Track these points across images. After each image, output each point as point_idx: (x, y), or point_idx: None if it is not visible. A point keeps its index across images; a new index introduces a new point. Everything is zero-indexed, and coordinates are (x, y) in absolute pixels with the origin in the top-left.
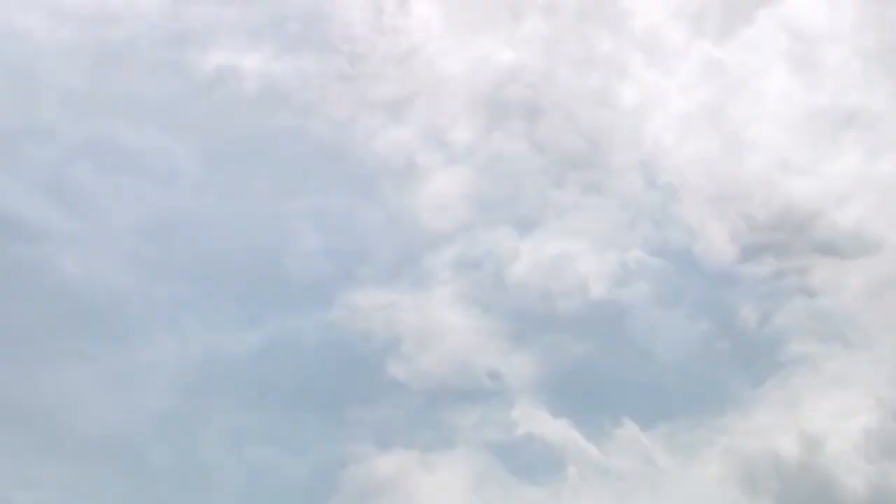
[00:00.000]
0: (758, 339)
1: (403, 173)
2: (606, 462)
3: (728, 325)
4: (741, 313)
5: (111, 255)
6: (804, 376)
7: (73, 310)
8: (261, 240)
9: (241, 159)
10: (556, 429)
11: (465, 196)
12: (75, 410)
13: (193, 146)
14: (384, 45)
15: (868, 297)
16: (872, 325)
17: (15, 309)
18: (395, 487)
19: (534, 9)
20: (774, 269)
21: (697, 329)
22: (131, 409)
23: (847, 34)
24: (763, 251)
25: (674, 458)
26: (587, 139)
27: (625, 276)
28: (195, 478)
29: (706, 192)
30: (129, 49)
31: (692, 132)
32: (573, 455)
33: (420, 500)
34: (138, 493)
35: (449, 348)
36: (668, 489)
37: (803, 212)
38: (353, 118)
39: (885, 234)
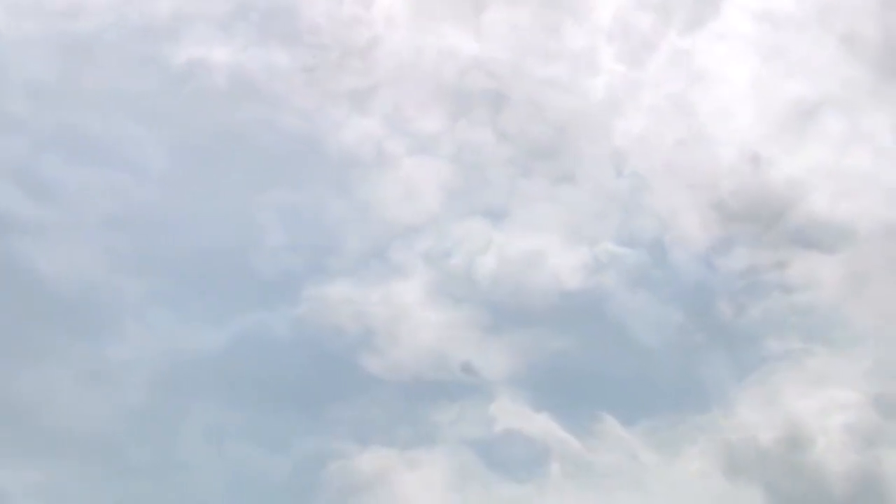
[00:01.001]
0: (736, 332)
1: (370, 164)
2: (589, 457)
3: (705, 317)
4: (718, 306)
5: (80, 247)
6: (786, 371)
7: (43, 304)
8: (229, 232)
9: (209, 152)
10: (536, 424)
11: (434, 186)
12: (48, 407)
13: (162, 138)
14: (347, 35)
15: (846, 291)
16: (852, 318)
17: None
18: (375, 486)
19: None
20: (748, 261)
21: (675, 320)
22: (106, 406)
23: (815, 21)
24: (736, 242)
25: (657, 454)
26: (555, 129)
27: (597, 267)
28: (173, 475)
29: (677, 181)
30: (97, 41)
31: (661, 122)
32: (555, 450)
33: (400, 499)
34: (116, 491)
35: (421, 341)
36: (651, 485)
37: (776, 202)
38: (318, 110)
39: (860, 224)
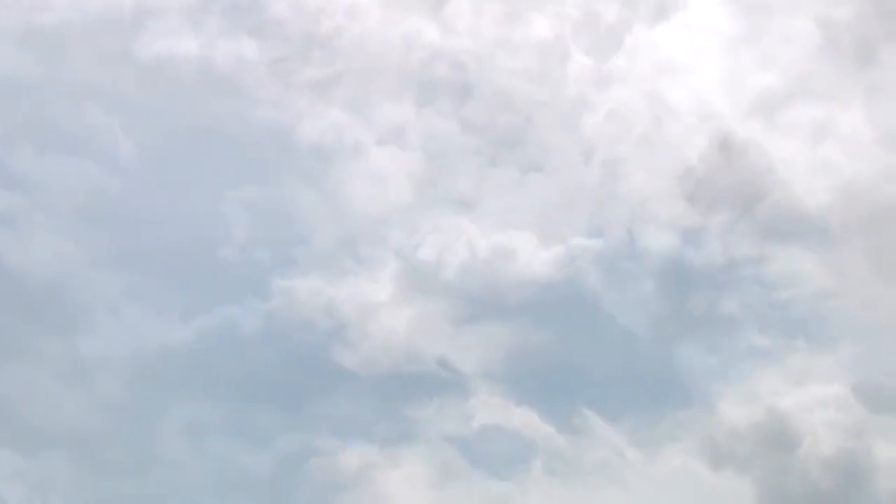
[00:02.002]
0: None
1: (338, 155)
2: (571, 453)
3: (682, 310)
4: (694, 298)
5: (52, 239)
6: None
7: (15, 297)
8: (198, 225)
9: (178, 143)
10: (516, 419)
11: (402, 177)
12: (25, 402)
13: (132, 131)
14: (313, 26)
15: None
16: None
17: None
18: (357, 484)
19: None
20: (724, 253)
21: (651, 312)
22: (82, 401)
23: (787, 8)
24: (709, 232)
25: (639, 449)
26: (522, 118)
27: (570, 259)
28: (154, 472)
29: (646, 170)
30: (65, 34)
31: (630, 112)
32: (537, 446)
33: (382, 497)
34: (96, 487)
35: (394, 335)
36: (634, 480)
37: (749, 192)
38: (286, 101)
39: (834, 215)
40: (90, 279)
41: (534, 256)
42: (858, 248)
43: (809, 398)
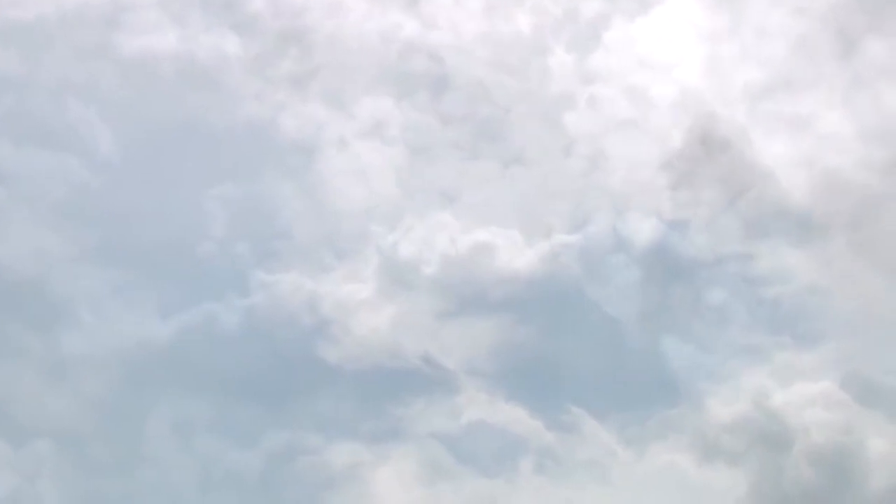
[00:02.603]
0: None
1: (317, 149)
2: (559, 450)
3: (666, 304)
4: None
5: (31, 234)
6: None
7: None
8: (178, 220)
9: (158, 138)
10: (503, 415)
11: (382, 171)
12: (6, 399)
13: (113, 126)
14: (291, 20)
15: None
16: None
17: None
18: (345, 481)
19: None
20: (709, 248)
21: (637, 305)
22: (65, 398)
23: (766, 2)
24: (693, 227)
25: (628, 446)
26: (502, 111)
27: (553, 253)
28: (139, 468)
29: (628, 165)
30: (45, 29)
31: (612, 106)
32: (525, 444)
33: (370, 495)
34: (82, 485)
35: (377, 330)
36: (623, 477)
37: (732, 186)
38: (266, 96)
39: (818, 208)
40: (71, 274)
41: (516, 250)
42: (844, 242)
43: (798, 394)
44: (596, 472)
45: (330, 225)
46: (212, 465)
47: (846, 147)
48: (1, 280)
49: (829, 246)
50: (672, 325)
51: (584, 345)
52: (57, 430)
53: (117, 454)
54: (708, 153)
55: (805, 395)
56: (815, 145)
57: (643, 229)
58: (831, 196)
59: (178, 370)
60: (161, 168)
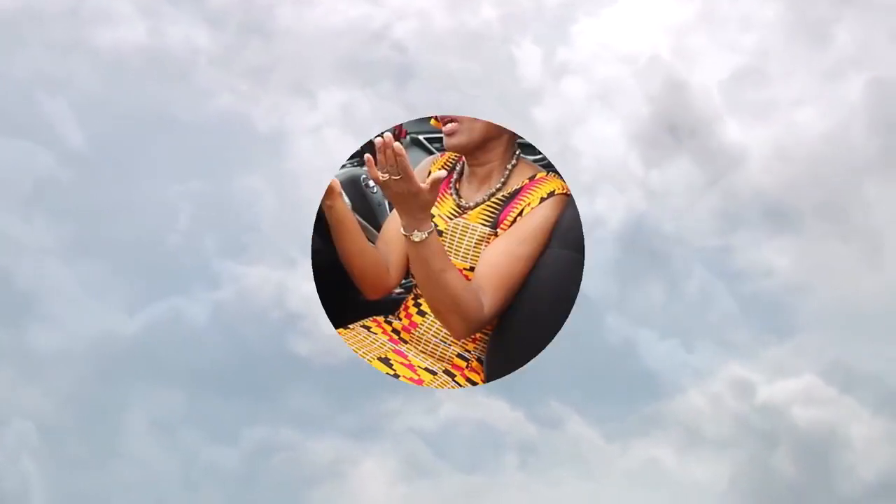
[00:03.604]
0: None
1: (282, 141)
2: (540, 443)
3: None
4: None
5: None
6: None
7: None
8: (148, 213)
9: (127, 131)
10: (485, 411)
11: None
12: None
13: (80, 117)
14: (257, 11)
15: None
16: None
17: None
18: (324, 477)
19: None
20: (681, 239)
21: (614, 296)
22: (36, 393)
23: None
24: (664, 218)
25: (611, 441)
26: (469, 99)
27: None
28: (114, 464)
29: (596, 155)
30: (14, 20)
31: (581, 96)
32: (507, 439)
33: (350, 493)
34: (57, 481)
35: None
36: (606, 472)
37: (707, 176)
38: (233, 87)
39: (799, 199)
40: (40, 267)
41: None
42: (821, 233)
43: (780, 386)
44: (579, 466)
45: (299, 216)
46: (189, 461)
47: (825, 136)
48: None
49: (808, 237)
50: (652, 318)
51: (564, 334)
52: (29, 428)
53: (92, 449)
54: (678, 142)
55: (787, 387)
56: (793, 134)
57: (614, 219)
58: (811, 187)
59: (148, 364)
60: (131, 160)
